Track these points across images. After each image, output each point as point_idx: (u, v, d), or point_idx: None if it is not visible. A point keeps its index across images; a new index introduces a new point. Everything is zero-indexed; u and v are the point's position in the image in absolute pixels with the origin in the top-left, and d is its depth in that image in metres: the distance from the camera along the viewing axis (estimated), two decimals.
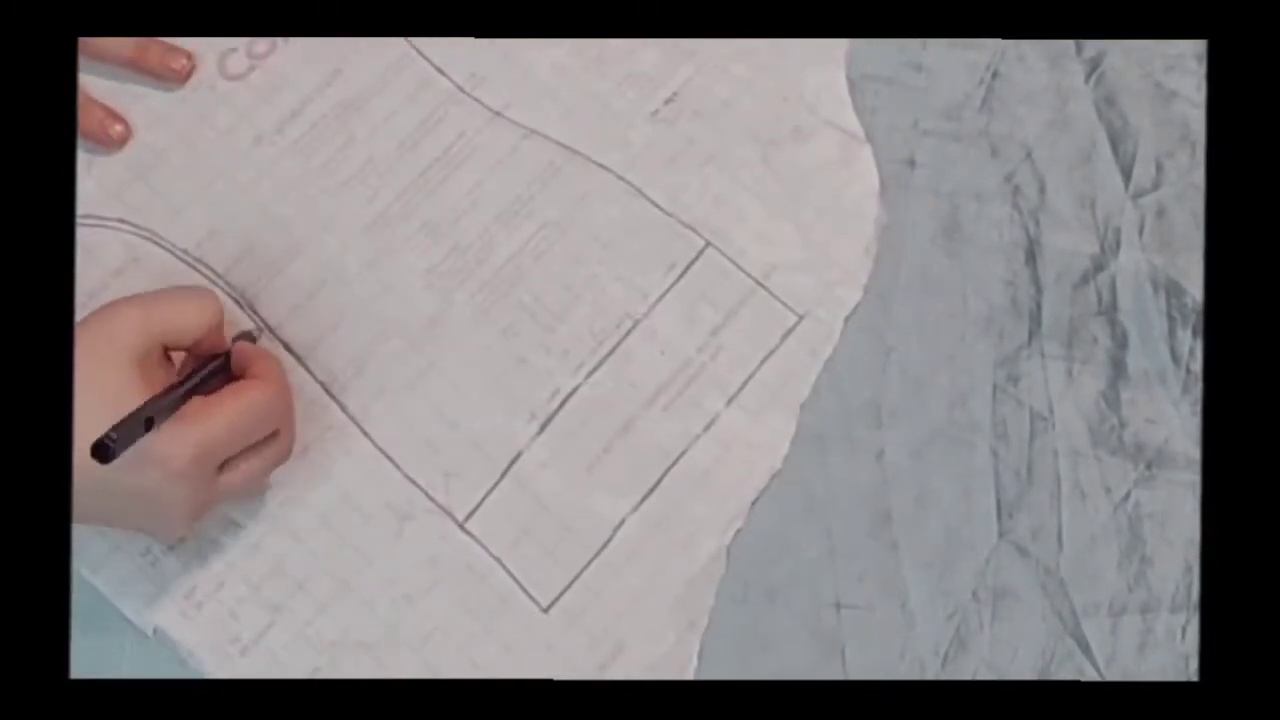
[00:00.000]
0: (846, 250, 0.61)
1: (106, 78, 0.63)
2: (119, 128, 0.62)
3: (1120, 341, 0.60)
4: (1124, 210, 0.62)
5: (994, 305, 0.61)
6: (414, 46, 0.64)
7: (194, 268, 0.60)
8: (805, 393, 0.59)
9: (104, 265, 0.60)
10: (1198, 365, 0.60)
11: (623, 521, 0.58)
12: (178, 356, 0.56)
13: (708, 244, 0.61)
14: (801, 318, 0.60)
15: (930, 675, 0.56)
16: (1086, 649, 0.57)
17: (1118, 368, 0.60)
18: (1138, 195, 0.62)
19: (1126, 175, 0.63)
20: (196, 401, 0.52)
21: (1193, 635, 0.57)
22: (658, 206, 0.61)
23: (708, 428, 0.59)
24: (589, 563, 0.57)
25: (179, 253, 0.61)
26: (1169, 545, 0.58)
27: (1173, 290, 0.61)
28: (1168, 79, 0.64)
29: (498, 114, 0.63)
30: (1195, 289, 0.61)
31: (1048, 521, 0.58)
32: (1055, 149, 0.63)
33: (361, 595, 0.57)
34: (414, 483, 0.58)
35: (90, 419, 0.48)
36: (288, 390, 0.55)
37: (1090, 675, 0.56)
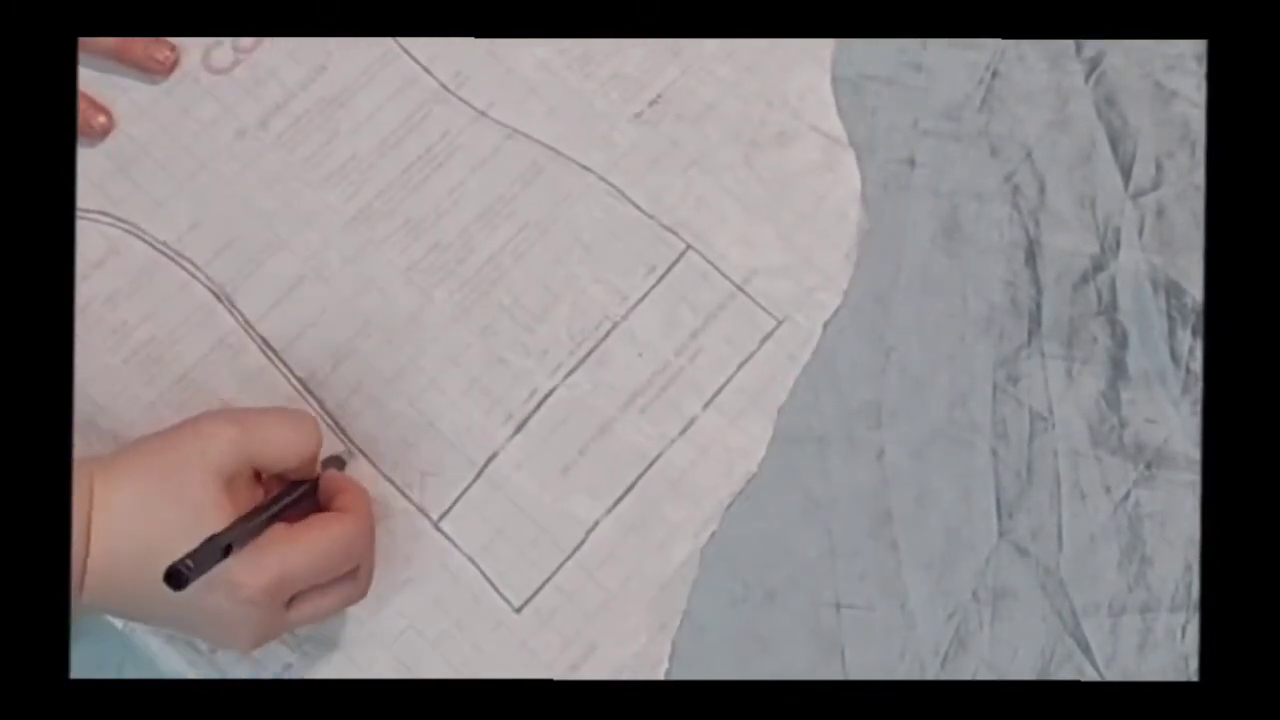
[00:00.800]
0: (827, 255, 0.61)
1: (90, 69, 0.63)
2: (102, 119, 0.62)
3: (1120, 341, 0.60)
4: (1124, 210, 0.62)
5: (994, 305, 0.61)
6: (399, 44, 0.64)
7: (175, 260, 0.60)
8: (783, 397, 0.59)
9: (84, 257, 0.60)
10: (1198, 365, 0.60)
11: (597, 523, 0.58)
12: None
13: (688, 247, 0.61)
14: (780, 322, 0.60)
15: (930, 675, 0.56)
16: (1086, 649, 0.57)
17: (1118, 368, 0.60)
18: (1138, 195, 0.62)
19: (1126, 175, 0.63)
20: (278, 529, 0.50)
21: (1193, 635, 0.57)
22: (639, 208, 0.62)
23: (684, 431, 0.59)
24: (562, 564, 0.57)
25: (160, 245, 0.61)
26: (1169, 545, 0.58)
27: (1173, 290, 0.61)
28: (1168, 79, 0.64)
29: (481, 113, 0.63)
30: (1195, 289, 0.61)
31: (1048, 521, 0.58)
32: (1055, 149, 0.63)
33: None
34: (389, 480, 0.58)
35: (171, 533, 0.48)
36: (372, 528, 0.54)
37: (1090, 675, 0.56)
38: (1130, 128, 0.63)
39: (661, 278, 0.61)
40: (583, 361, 0.59)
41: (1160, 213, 0.62)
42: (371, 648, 0.56)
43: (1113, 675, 0.56)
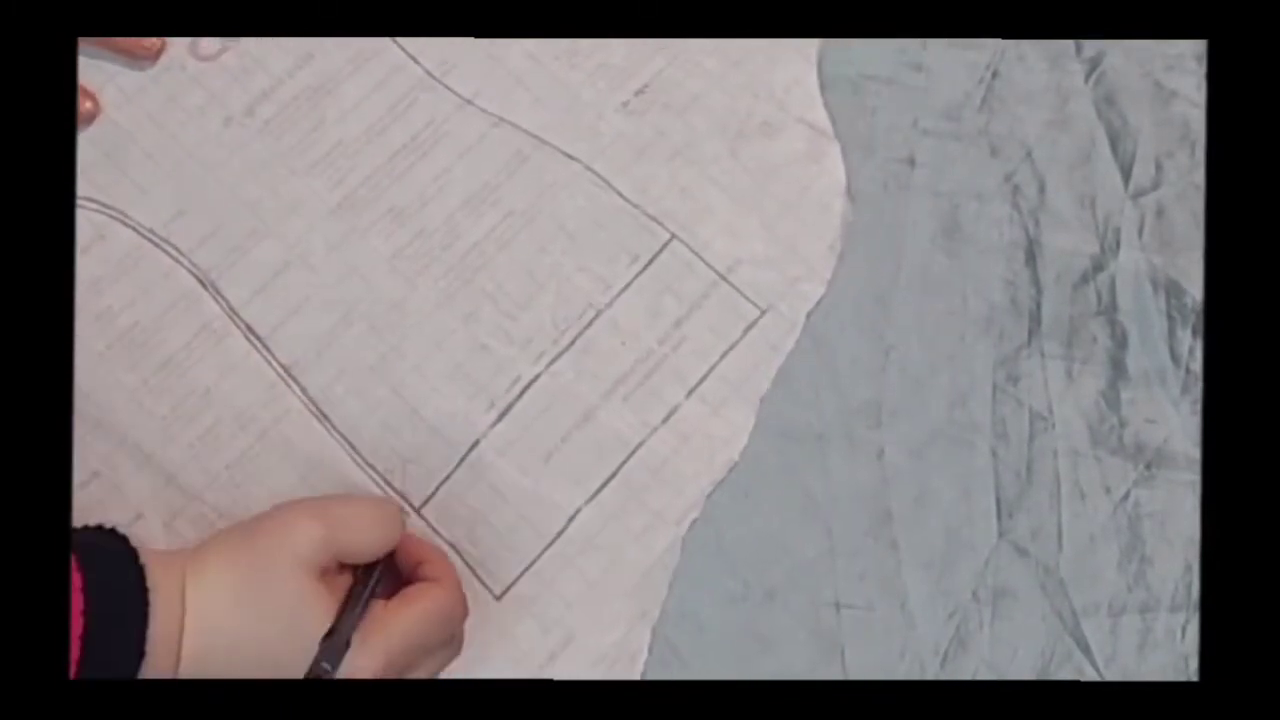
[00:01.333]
0: (811, 246, 0.61)
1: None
2: (88, 105, 0.62)
3: (1120, 341, 0.60)
4: (1124, 210, 0.62)
5: (994, 305, 0.61)
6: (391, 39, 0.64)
7: (160, 247, 0.61)
8: (765, 386, 0.60)
9: None
10: (1198, 365, 0.60)
11: (578, 511, 0.58)
12: None
13: (673, 236, 0.61)
14: (764, 312, 0.60)
15: (930, 675, 0.56)
16: (1086, 649, 0.57)
17: (1117, 368, 0.60)
18: (1138, 195, 0.62)
19: (1126, 175, 0.63)
20: (378, 610, 0.51)
21: (1193, 635, 0.57)
22: (624, 198, 0.62)
23: (667, 419, 0.59)
24: (543, 552, 0.57)
25: (145, 232, 0.61)
26: (1169, 545, 0.58)
27: (1173, 290, 0.61)
28: (1168, 79, 0.64)
29: (467, 102, 0.63)
30: (1195, 289, 0.61)
31: (1048, 521, 0.58)
32: (1055, 149, 0.63)
33: None
34: (371, 468, 0.58)
35: (270, 632, 0.49)
36: (462, 591, 0.54)
37: (1090, 675, 0.56)
38: (1130, 128, 0.63)
39: (645, 267, 0.61)
40: (566, 349, 0.60)
41: (1160, 213, 0.62)
42: None
43: (1113, 675, 0.56)
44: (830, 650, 0.57)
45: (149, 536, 0.56)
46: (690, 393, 0.59)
